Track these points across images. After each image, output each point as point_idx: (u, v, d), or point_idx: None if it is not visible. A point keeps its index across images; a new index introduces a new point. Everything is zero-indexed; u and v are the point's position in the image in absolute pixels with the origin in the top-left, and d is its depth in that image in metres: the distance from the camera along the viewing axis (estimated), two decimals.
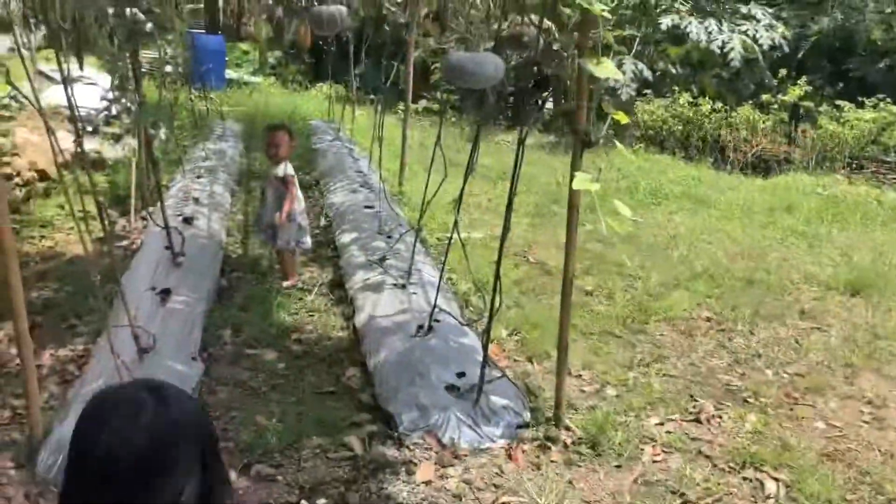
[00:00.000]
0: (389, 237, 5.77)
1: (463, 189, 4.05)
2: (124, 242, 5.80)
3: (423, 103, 13.37)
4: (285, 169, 4.98)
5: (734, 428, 3.66)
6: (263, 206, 5.17)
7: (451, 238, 4.19)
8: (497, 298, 3.51)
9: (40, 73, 8.39)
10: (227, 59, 14.18)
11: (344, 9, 4.07)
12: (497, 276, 3.47)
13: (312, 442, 3.38)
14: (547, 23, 3.50)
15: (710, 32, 9.65)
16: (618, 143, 3.21)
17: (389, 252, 5.36)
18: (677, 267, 5.80)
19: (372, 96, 13.95)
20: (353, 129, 9.51)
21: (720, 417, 3.76)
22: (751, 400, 3.95)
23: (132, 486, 1.16)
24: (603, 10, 2.88)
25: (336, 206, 6.79)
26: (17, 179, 6.18)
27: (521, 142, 3.34)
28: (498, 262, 3.49)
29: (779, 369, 4.30)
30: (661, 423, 3.69)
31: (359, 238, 5.82)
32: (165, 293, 4.53)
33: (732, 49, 9.38)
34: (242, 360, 4.15)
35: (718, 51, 9.54)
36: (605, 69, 2.97)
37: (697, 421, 3.72)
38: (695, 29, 9.60)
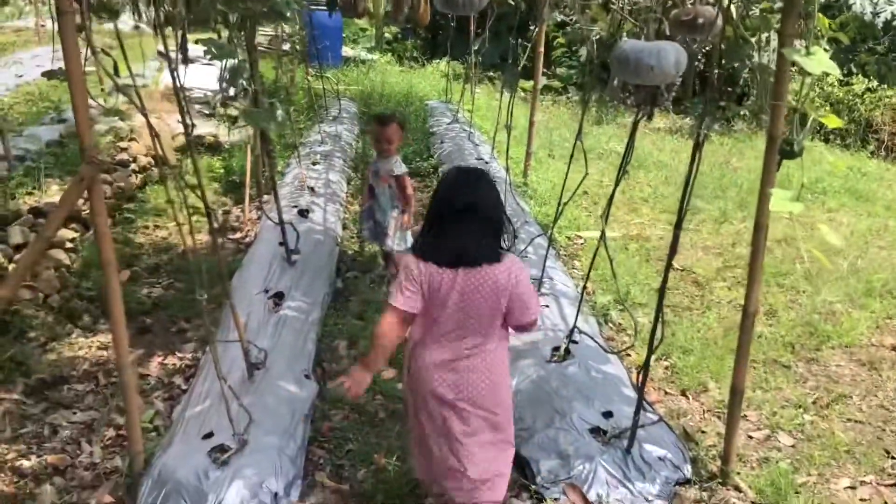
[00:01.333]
0: (515, 236, 5.26)
1: (614, 193, 3.47)
2: (237, 235, 5.57)
3: (542, 81, 12.73)
4: (400, 166, 4.57)
5: None
6: (372, 202, 4.75)
7: (596, 250, 3.63)
8: (659, 329, 2.95)
9: (160, 53, 8.30)
10: (343, 35, 13.95)
11: None
12: (660, 308, 2.90)
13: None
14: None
15: (875, 3, 8.59)
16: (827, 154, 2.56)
17: (517, 255, 4.87)
18: (848, 280, 5.03)
19: (491, 73, 13.46)
20: (473, 111, 9.03)
21: None
22: None
23: (479, 207, 2.35)
24: None
25: None
26: (133, 166, 6.05)
27: (698, 145, 2.75)
28: (661, 291, 2.92)
29: None
30: (853, 487, 3.05)
31: None
32: (279, 297, 4.24)
33: None
34: None
35: (882, 23, 8.48)
36: (819, 62, 2.35)
37: None
38: (859, 0, 8.55)
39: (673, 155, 8.46)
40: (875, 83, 10.20)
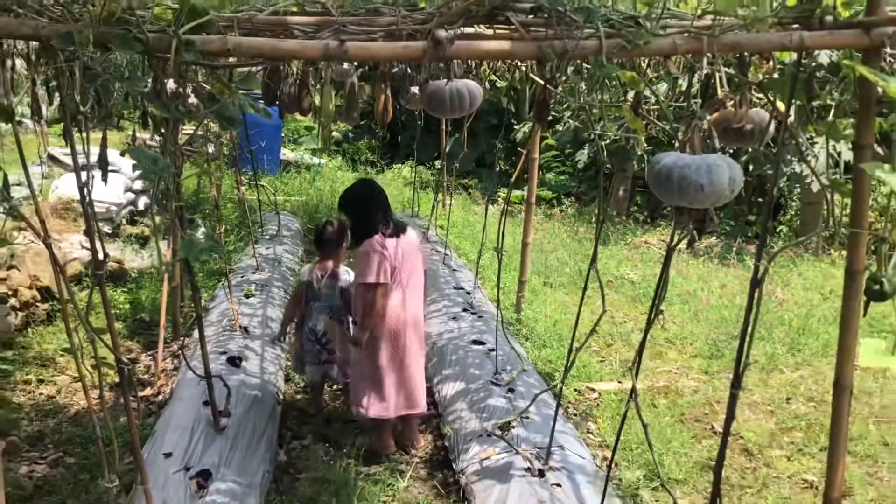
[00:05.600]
0: (511, 390, 5.20)
1: (645, 340, 3.45)
2: (147, 391, 5.41)
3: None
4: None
5: None
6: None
7: (624, 415, 3.55)
8: None
9: (51, 157, 8.35)
10: (282, 135, 14.23)
11: (475, 86, 3.60)
12: (717, 492, 2.82)
13: None
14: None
15: None
16: None
17: (515, 416, 4.78)
18: None
19: (466, 181, 13.74)
20: (448, 228, 9.12)
21: None
22: None
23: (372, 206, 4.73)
24: None
25: (432, 338, 6.28)
26: (12, 301, 5.92)
27: (757, 282, 2.75)
28: (717, 470, 2.85)
29: None
30: None
31: (468, 390, 5.27)
32: (204, 476, 4.07)
33: None
34: None
35: None
36: None
37: None
38: None
39: (701, 284, 8.56)
40: None
